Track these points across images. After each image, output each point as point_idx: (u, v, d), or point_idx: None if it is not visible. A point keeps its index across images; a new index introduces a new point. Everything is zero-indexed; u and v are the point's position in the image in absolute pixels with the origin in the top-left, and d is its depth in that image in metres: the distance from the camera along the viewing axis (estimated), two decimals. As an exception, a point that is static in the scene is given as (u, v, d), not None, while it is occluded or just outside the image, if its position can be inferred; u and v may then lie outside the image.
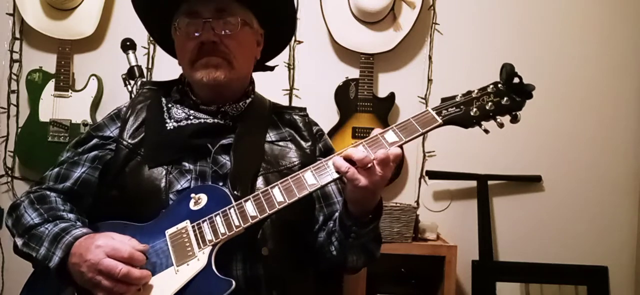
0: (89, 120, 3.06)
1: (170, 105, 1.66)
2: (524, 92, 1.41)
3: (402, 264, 2.99)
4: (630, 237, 3.13)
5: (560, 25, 3.16)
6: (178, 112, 1.63)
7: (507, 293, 3.02)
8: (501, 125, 1.42)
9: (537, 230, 3.14)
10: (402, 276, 3.00)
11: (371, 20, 3.06)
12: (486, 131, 1.42)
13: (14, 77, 3.20)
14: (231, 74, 1.58)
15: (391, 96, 3.07)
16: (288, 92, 3.15)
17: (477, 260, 3.02)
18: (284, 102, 3.07)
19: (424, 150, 3.15)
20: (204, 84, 1.57)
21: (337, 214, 1.56)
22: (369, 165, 1.33)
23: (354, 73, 3.08)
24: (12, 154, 3.19)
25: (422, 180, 3.16)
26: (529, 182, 3.14)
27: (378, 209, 1.48)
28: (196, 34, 1.57)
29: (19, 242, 1.49)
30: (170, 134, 1.59)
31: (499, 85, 1.43)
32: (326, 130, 2.91)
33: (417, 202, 3.14)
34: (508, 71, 1.39)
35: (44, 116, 3.08)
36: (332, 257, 1.57)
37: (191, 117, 1.61)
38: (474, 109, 1.42)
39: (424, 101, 3.10)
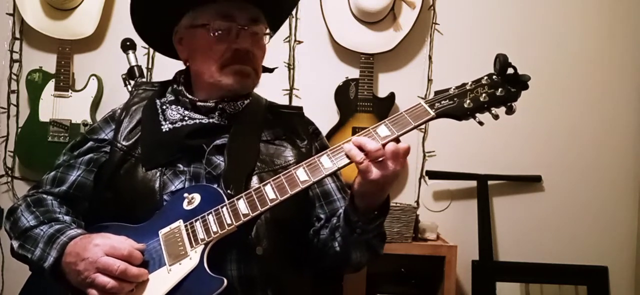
0: (89, 121, 3.06)
1: (165, 107, 1.66)
2: (519, 82, 1.39)
3: (402, 264, 2.98)
4: (630, 237, 3.12)
5: (560, 25, 3.16)
6: (173, 113, 1.63)
7: (507, 293, 3.01)
8: (496, 117, 1.40)
9: (537, 230, 3.13)
10: (402, 276, 2.99)
11: (371, 20, 3.06)
12: (480, 123, 1.40)
13: (14, 77, 3.20)
14: (255, 82, 1.64)
15: (391, 96, 3.07)
16: (288, 92, 3.15)
17: (477, 260, 3.01)
18: (284, 102, 3.07)
19: (424, 150, 3.14)
20: (233, 90, 1.60)
21: (341, 210, 1.55)
22: (381, 158, 1.33)
23: (354, 73, 3.08)
24: (12, 154, 3.19)
25: (422, 180, 3.15)
26: (529, 182, 3.13)
27: (385, 206, 1.47)
28: (231, 39, 1.59)
29: (15, 244, 1.51)
30: (166, 136, 1.59)
31: (493, 76, 1.41)
32: (326, 130, 2.94)
33: (417, 202, 3.13)
34: (502, 62, 1.37)
35: (44, 116, 3.08)
36: (336, 254, 1.56)
37: (186, 118, 1.61)
38: (468, 101, 1.40)
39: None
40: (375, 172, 1.33)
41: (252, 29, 1.61)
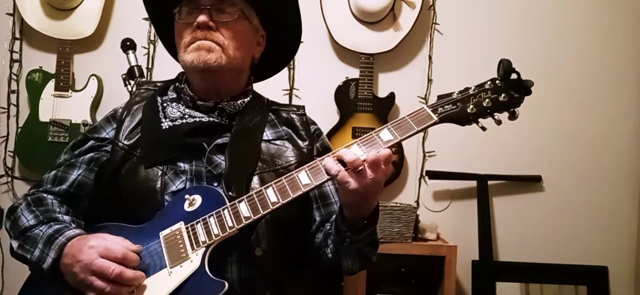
0: (89, 120, 3.06)
1: (165, 105, 1.65)
2: (523, 87, 1.38)
3: (402, 264, 2.98)
4: (630, 237, 3.13)
5: (560, 25, 3.16)
6: (173, 111, 1.62)
7: (507, 293, 3.01)
8: (499, 122, 1.39)
9: (537, 230, 3.14)
10: (402, 276, 2.99)
11: (371, 20, 3.06)
12: (483, 128, 1.40)
13: (14, 77, 3.20)
14: (223, 60, 1.55)
15: (391, 96, 3.07)
16: (288, 91, 3.15)
17: (477, 260, 3.01)
18: (284, 102, 3.07)
19: (424, 150, 3.14)
20: (194, 66, 1.55)
21: (334, 215, 1.54)
22: (360, 168, 1.31)
23: (354, 73, 3.08)
24: (12, 154, 3.19)
25: (422, 180, 3.15)
26: (529, 182, 3.14)
27: (374, 215, 1.46)
28: (194, 21, 1.56)
29: (15, 244, 1.50)
30: (166, 134, 1.58)
31: (497, 81, 1.41)
32: (326, 130, 2.94)
33: (417, 202, 3.14)
34: (505, 67, 1.36)
35: (44, 116, 3.08)
36: (328, 260, 1.57)
37: (186, 116, 1.60)
38: (471, 106, 1.39)
39: (424, 101, 3.10)
40: (353, 182, 1.32)
41: (216, 7, 1.57)
